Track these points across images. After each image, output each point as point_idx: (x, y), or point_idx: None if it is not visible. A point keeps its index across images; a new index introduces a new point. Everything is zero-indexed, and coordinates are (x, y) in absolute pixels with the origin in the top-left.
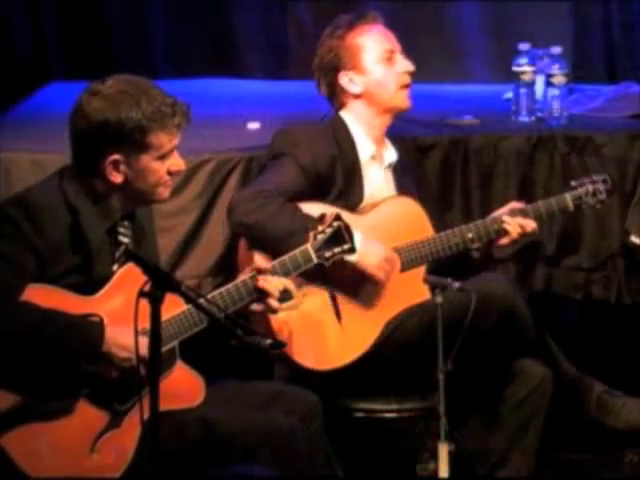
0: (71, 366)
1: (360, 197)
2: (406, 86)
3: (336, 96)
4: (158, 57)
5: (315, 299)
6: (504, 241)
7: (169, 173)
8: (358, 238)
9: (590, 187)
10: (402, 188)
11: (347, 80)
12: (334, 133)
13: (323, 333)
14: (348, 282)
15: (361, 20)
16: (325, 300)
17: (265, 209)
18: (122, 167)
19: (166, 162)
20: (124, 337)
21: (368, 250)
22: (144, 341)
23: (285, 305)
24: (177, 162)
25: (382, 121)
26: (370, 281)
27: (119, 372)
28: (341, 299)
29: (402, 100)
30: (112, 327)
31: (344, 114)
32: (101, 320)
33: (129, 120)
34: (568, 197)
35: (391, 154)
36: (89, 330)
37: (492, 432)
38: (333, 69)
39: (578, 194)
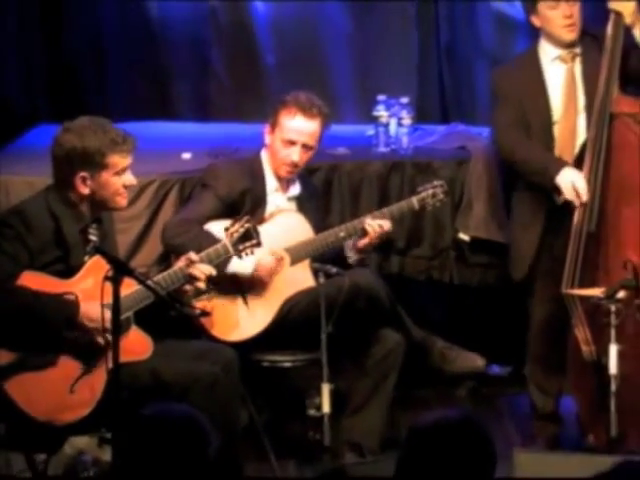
0: (54, 332)
1: (262, 219)
2: (285, 165)
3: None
4: (114, 105)
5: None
6: (366, 241)
7: (124, 186)
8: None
9: (430, 191)
10: (301, 212)
11: (266, 131)
12: (251, 169)
13: (235, 313)
14: (253, 279)
15: (300, 105)
16: (236, 291)
17: (187, 234)
18: (88, 182)
19: (121, 177)
20: (93, 311)
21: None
22: (108, 314)
23: (206, 296)
24: (130, 178)
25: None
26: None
27: (90, 336)
28: (248, 289)
29: (282, 172)
30: (84, 303)
31: (263, 152)
32: (76, 297)
33: (90, 147)
34: (414, 199)
35: (295, 189)
36: (67, 306)
37: (359, 379)
38: (270, 117)
39: (422, 196)
